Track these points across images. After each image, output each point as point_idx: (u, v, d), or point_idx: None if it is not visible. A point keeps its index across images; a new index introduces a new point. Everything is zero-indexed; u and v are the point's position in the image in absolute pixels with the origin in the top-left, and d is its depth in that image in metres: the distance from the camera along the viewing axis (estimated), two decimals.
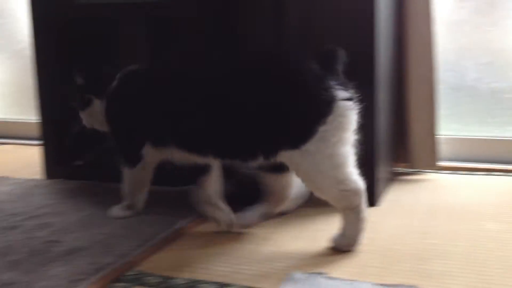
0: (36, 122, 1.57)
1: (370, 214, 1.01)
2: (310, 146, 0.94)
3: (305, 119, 0.94)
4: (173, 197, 1.29)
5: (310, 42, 1.25)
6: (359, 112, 0.97)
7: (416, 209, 1.22)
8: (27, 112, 2.19)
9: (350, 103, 0.95)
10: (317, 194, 0.99)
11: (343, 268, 0.91)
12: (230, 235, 1.09)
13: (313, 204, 1.15)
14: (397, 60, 1.44)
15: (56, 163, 1.56)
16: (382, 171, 1.31)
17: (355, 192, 0.96)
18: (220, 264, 0.94)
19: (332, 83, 0.94)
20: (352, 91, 0.96)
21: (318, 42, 1.23)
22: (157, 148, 1.12)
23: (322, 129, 0.93)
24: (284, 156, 0.97)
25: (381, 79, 1.26)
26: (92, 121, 1.25)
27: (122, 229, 1.09)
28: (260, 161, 0.99)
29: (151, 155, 1.14)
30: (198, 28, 1.34)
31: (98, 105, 1.21)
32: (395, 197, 1.32)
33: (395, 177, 1.49)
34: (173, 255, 0.99)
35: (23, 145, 2.07)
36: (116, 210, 1.18)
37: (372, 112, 1.21)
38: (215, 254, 0.99)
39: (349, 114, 0.95)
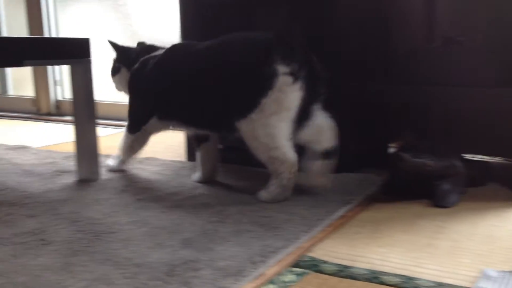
0: None
1: None
2: (254, 115, 1.09)
3: (251, 92, 1.10)
4: (335, 183, 1.25)
5: None
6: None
7: None
8: None
9: (290, 78, 1.08)
10: (256, 156, 1.14)
11: None
12: (395, 225, 1.02)
13: (478, 199, 1.05)
14: None
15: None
16: None
17: (282, 161, 1.11)
18: (397, 256, 0.88)
19: (280, 68, 1.08)
20: (296, 67, 1.08)
21: None
22: (161, 120, 1.31)
23: (264, 101, 1.08)
24: (239, 125, 1.13)
25: None
26: (119, 86, 1.47)
27: (283, 213, 1.06)
28: (227, 130, 1.17)
29: (154, 126, 1.34)
30: None
31: (125, 74, 1.41)
32: None
33: None
34: (342, 242, 0.94)
35: None
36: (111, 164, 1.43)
37: None
38: (388, 245, 0.93)
39: (288, 89, 1.08)
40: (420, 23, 1.45)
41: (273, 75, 1.08)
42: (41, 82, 2.60)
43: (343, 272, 0.82)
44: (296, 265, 0.85)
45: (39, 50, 1.20)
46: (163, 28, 2.29)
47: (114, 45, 1.46)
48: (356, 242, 0.94)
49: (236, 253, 0.86)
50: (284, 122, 1.10)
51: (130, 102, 1.39)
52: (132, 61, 1.39)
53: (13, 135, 2.10)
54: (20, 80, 2.83)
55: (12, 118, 2.57)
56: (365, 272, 0.82)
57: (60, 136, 2.02)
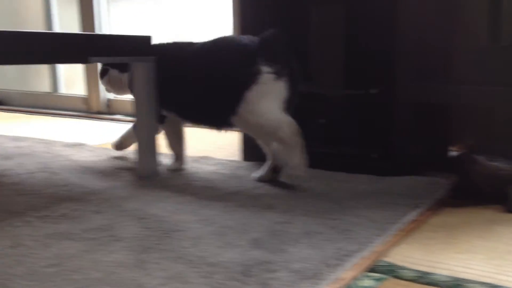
0: None
1: None
2: (241, 109, 1.22)
3: (237, 88, 1.22)
4: (401, 186, 1.21)
5: None
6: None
7: None
8: None
9: (273, 76, 1.20)
10: (255, 137, 1.31)
11: None
12: (470, 230, 0.98)
13: None
14: None
15: (255, 146, 1.57)
16: None
17: (279, 127, 1.20)
18: (479, 263, 0.84)
19: (260, 61, 1.20)
20: (279, 67, 1.20)
21: None
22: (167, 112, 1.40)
23: (248, 94, 1.21)
24: (234, 120, 1.25)
25: None
26: (108, 87, 1.60)
27: (350, 215, 1.03)
28: (226, 126, 1.30)
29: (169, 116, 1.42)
30: None
31: (114, 75, 1.54)
32: None
33: None
34: (417, 247, 0.91)
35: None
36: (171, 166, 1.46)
37: None
38: (466, 251, 0.89)
39: (272, 82, 1.20)
40: (485, 22, 1.40)
41: (256, 73, 1.20)
42: (92, 81, 2.64)
43: (423, 278, 0.79)
44: (372, 270, 0.82)
45: (103, 47, 1.21)
46: (209, 25, 2.30)
47: None
48: (432, 247, 0.91)
49: (309, 255, 0.84)
50: (272, 103, 1.22)
51: None
52: (122, 65, 1.51)
53: (66, 132, 2.13)
54: (71, 79, 2.89)
55: (64, 116, 2.62)
56: (447, 279, 0.78)
57: (113, 134, 2.05)
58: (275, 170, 1.31)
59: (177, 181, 1.30)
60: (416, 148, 1.36)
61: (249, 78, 1.20)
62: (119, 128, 2.16)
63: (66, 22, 2.81)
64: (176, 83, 1.34)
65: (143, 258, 0.84)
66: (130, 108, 2.53)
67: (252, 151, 1.56)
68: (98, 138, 1.97)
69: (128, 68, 1.48)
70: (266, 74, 1.20)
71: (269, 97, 1.21)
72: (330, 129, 1.46)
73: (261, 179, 1.32)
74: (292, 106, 1.24)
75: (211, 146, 1.80)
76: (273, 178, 1.31)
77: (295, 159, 1.19)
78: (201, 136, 2.02)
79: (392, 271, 0.81)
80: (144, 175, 1.35)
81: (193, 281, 0.76)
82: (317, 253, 0.85)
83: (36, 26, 2.85)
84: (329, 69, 1.48)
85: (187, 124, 1.45)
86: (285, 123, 1.20)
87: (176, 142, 1.46)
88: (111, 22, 2.61)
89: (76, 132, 2.14)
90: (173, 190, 1.22)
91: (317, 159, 1.42)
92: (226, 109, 1.24)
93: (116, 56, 1.24)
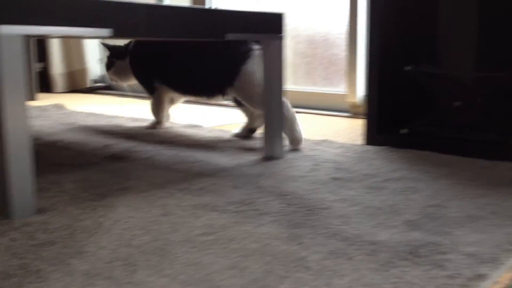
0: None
1: None
2: (238, 81, 1.47)
3: (235, 63, 1.47)
4: None
5: None
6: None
7: None
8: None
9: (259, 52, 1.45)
10: (250, 106, 1.49)
11: None
12: None
13: None
14: None
15: (378, 130, 1.51)
16: None
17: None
18: None
19: (251, 45, 1.47)
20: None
21: None
22: (162, 85, 1.69)
23: (244, 67, 1.46)
24: (231, 90, 1.50)
25: None
26: (115, 77, 1.85)
27: (508, 201, 0.94)
28: (217, 94, 1.55)
29: (160, 88, 1.71)
30: None
31: (120, 64, 1.80)
32: None
33: None
34: None
35: (318, 115, 2.11)
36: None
37: None
38: None
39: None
40: None
41: (249, 50, 1.46)
42: None
43: None
44: None
45: (239, 24, 1.19)
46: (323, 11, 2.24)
47: (107, 45, 1.84)
48: None
49: (479, 239, 0.77)
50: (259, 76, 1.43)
51: (137, 75, 1.79)
52: (123, 54, 1.79)
53: (177, 116, 2.17)
54: None
55: None
56: None
57: (224, 118, 2.06)
58: (251, 131, 1.59)
59: (304, 162, 1.27)
60: None
61: (245, 54, 1.46)
62: (229, 113, 2.17)
63: None
64: (178, 59, 1.59)
65: (295, 232, 0.81)
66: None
67: (375, 135, 1.50)
68: (211, 121, 1.99)
69: (124, 57, 1.79)
70: (257, 51, 1.45)
71: (260, 71, 1.41)
72: (466, 113, 1.37)
73: (237, 135, 1.60)
74: None
75: (326, 131, 1.75)
76: (247, 136, 1.59)
77: (295, 127, 1.42)
78: (313, 120, 1.99)
79: None
80: (270, 155, 1.32)
81: (357, 258, 0.72)
82: (486, 237, 0.77)
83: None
84: (463, 51, 1.38)
85: (180, 96, 1.75)
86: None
87: (161, 110, 1.74)
88: None
89: (187, 116, 2.18)
90: (303, 171, 1.19)
91: (452, 144, 1.34)
92: (225, 80, 1.49)
93: (250, 33, 1.22)
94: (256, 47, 1.46)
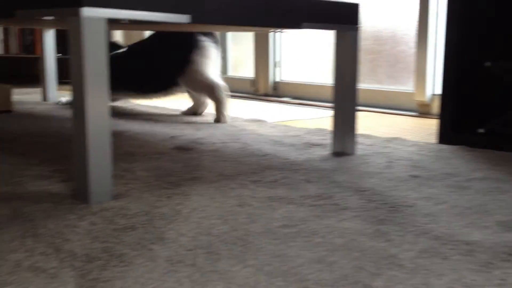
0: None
1: None
2: (189, 69, 1.75)
3: (186, 53, 1.75)
4: None
5: None
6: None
7: None
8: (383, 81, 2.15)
9: (211, 43, 1.78)
10: (196, 93, 1.84)
11: None
12: None
13: None
14: None
15: (453, 129, 1.43)
16: None
17: (215, 87, 1.74)
18: None
19: (201, 38, 1.76)
20: (214, 39, 1.80)
21: None
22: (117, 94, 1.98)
23: (194, 56, 1.74)
24: (181, 80, 1.78)
25: None
26: None
27: None
28: (170, 86, 1.82)
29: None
30: None
31: None
32: None
33: None
34: None
35: (381, 113, 2.04)
36: None
37: None
38: None
39: (210, 48, 1.77)
40: None
41: (198, 41, 1.74)
42: (261, 64, 2.67)
43: None
44: None
45: (315, 13, 1.16)
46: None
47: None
48: None
49: None
50: (211, 68, 1.76)
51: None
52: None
53: (238, 111, 2.16)
54: (238, 62, 2.95)
55: (232, 97, 2.67)
56: None
57: (286, 115, 2.02)
58: (195, 113, 1.91)
59: (377, 159, 1.22)
60: None
61: (194, 44, 1.73)
62: (289, 110, 2.14)
63: None
64: (129, 62, 1.88)
65: (381, 229, 0.77)
66: (296, 91, 2.51)
67: (450, 134, 1.43)
68: (274, 117, 1.96)
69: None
70: (205, 42, 1.75)
71: (207, 61, 1.75)
72: None
73: (184, 113, 1.92)
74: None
75: (394, 129, 1.69)
76: (191, 115, 1.90)
77: (223, 111, 1.74)
78: (378, 119, 1.92)
79: None
80: (339, 151, 1.28)
81: (452, 257, 0.67)
82: None
83: None
84: None
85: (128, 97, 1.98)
86: (220, 85, 1.74)
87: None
88: None
89: (247, 111, 2.16)
90: (378, 167, 1.14)
91: None
92: (176, 70, 1.74)
93: (326, 23, 1.19)
94: (203, 38, 1.75)
